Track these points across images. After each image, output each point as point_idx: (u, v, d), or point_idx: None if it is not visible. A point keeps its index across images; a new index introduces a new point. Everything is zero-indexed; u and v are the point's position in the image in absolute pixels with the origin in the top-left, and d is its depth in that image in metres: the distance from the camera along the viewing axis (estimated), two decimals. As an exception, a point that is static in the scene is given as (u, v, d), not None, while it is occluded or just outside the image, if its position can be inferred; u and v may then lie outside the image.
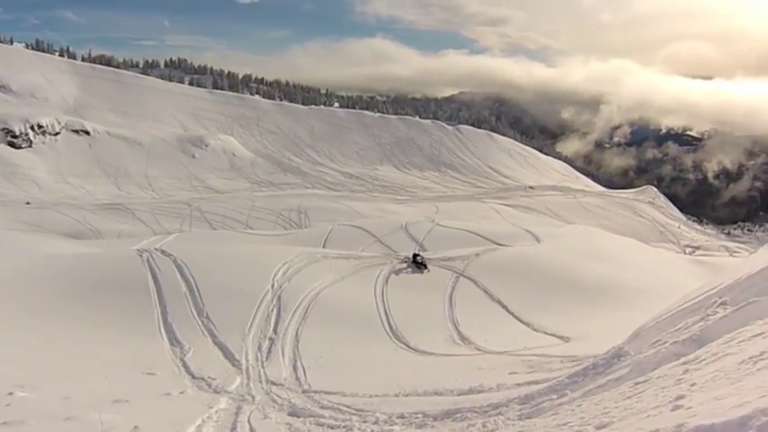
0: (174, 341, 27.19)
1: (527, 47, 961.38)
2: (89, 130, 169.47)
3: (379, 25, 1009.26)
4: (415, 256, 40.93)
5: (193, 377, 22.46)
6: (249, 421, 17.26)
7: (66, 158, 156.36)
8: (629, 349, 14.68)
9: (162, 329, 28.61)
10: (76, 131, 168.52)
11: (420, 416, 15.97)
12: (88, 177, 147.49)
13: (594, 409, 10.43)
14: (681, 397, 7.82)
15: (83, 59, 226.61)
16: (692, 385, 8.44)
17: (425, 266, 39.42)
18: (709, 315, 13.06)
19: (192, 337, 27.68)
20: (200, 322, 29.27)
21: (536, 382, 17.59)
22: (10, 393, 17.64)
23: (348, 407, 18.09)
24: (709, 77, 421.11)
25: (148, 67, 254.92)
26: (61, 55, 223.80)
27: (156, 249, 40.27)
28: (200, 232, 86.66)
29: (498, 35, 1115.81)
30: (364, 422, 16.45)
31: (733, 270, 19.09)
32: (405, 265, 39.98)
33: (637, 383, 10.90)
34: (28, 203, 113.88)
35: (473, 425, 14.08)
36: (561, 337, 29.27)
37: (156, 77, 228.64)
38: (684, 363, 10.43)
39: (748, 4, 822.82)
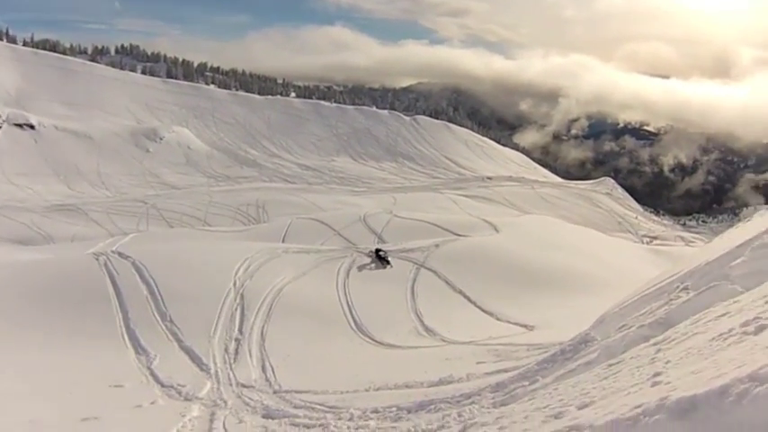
0: (139, 349, 26.65)
1: (487, 39, 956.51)
2: (34, 123, 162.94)
3: (340, 13, 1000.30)
4: (377, 251, 40.84)
5: (163, 386, 22.14)
6: (224, 427, 17.47)
7: (9, 156, 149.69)
8: (596, 335, 14.97)
9: (125, 337, 28.00)
10: (20, 125, 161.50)
11: (394, 409, 16.15)
12: (35, 176, 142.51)
13: (572, 391, 10.62)
14: (658, 374, 8.01)
15: (24, 44, 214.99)
16: (666, 363, 8.65)
17: (388, 262, 39.50)
18: (672, 300, 13.36)
19: (157, 342, 27.24)
20: (164, 327, 28.84)
21: (505, 371, 17.91)
22: (-30, 421, 17.42)
23: (321, 405, 18.26)
24: (667, 77, 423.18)
25: (98, 54, 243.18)
26: (0, 39, 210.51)
27: (113, 252, 39.57)
28: (157, 231, 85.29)
29: (459, 26, 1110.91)
30: (339, 419, 16.62)
31: (691, 258, 19.43)
32: (369, 260, 39.92)
33: (610, 365, 11.10)
34: None
35: (448, 415, 14.27)
36: (525, 326, 29.59)
37: (107, 65, 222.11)
38: (655, 344, 10.63)
39: (706, 9, 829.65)
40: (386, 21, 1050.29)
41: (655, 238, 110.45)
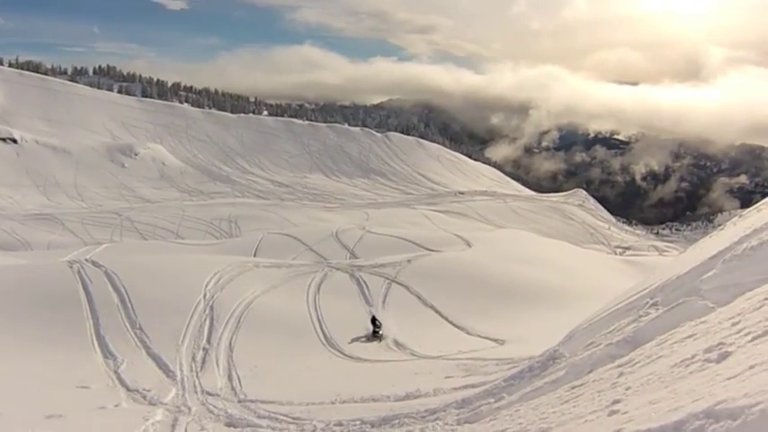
0: (107, 353, 26.82)
1: (455, 54, 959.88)
2: (17, 138, 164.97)
3: (309, 32, 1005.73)
4: (373, 320, 32.93)
5: (128, 389, 22.26)
6: (186, 433, 17.21)
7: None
8: (564, 351, 14.80)
9: (95, 342, 28.17)
10: (3, 139, 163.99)
11: (358, 423, 15.97)
12: (16, 187, 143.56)
13: (532, 415, 10.48)
14: (617, 401, 7.86)
15: (10, 65, 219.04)
16: (627, 389, 8.47)
17: (377, 332, 31.91)
18: (641, 316, 13.17)
19: (126, 348, 27.34)
20: (133, 334, 28.90)
21: (472, 386, 17.71)
22: (-61, 413, 17.30)
23: (285, 416, 18.15)
24: (636, 83, 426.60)
25: (77, 75, 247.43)
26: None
27: (86, 260, 39.71)
28: (130, 243, 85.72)
29: (427, 42, 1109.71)
30: (302, 430, 16.45)
31: (663, 270, 19.30)
32: (363, 334, 32.66)
33: (573, 387, 10.96)
34: None
35: (412, 431, 14.11)
36: (495, 340, 29.47)
37: (85, 85, 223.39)
38: (619, 365, 10.49)
39: (672, 11, 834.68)
40: (354, 39, 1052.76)
41: (627, 248, 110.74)
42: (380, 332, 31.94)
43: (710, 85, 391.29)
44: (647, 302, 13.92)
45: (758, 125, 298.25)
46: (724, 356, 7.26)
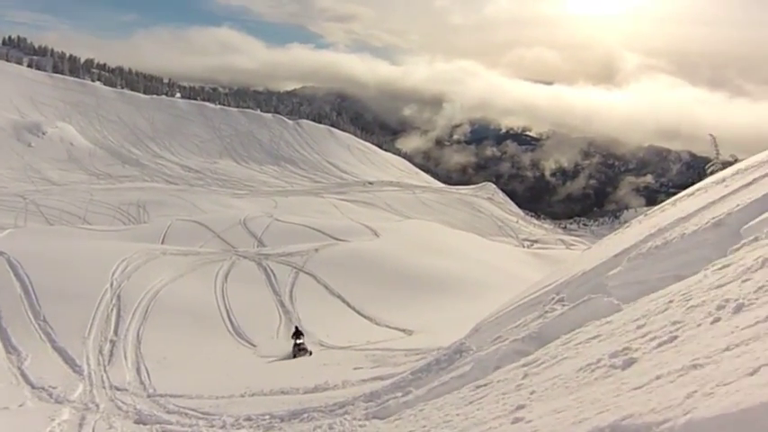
0: (9, 348, 26.24)
1: (373, 44, 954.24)
2: None
3: (228, 15, 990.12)
4: (297, 332, 29.00)
5: (33, 387, 21.72)
6: (94, 432, 16.97)
7: None
8: (471, 344, 14.93)
9: None
10: None
11: (267, 417, 15.98)
12: None
13: (437, 416, 10.50)
14: (521, 407, 7.83)
15: None
16: (531, 393, 8.42)
17: (301, 345, 28.00)
18: (547, 312, 13.32)
19: (30, 342, 26.80)
20: (37, 326, 28.35)
21: (381, 378, 17.84)
22: None
23: (195, 410, 18.05)
24: (550, 83, 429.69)
25: None
26: None
27: (-13, 247, 38.64)
28: (35, 228, 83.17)
29: (345, 31, 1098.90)
30: (211, 426, 16.40)
31: (570, 264, 19.58)
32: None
33: (478, 386, 10.95)
34: None
35: (320, 426, 14.12)
36: (404, 331, 29.68)
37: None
38: (524, 365, 10.48)
39: (592, 15, 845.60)
40: (274, 24, 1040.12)
41: (535, 241, 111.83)
42: (303, 343, 28.01)
43: (623, 89, 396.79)
44: (553, 298, 14.14)
45: (665, 128, 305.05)
46: (629, 363, 7.28)
